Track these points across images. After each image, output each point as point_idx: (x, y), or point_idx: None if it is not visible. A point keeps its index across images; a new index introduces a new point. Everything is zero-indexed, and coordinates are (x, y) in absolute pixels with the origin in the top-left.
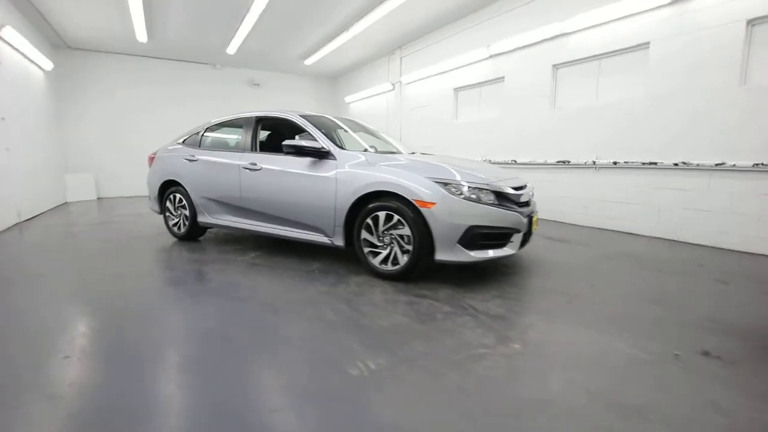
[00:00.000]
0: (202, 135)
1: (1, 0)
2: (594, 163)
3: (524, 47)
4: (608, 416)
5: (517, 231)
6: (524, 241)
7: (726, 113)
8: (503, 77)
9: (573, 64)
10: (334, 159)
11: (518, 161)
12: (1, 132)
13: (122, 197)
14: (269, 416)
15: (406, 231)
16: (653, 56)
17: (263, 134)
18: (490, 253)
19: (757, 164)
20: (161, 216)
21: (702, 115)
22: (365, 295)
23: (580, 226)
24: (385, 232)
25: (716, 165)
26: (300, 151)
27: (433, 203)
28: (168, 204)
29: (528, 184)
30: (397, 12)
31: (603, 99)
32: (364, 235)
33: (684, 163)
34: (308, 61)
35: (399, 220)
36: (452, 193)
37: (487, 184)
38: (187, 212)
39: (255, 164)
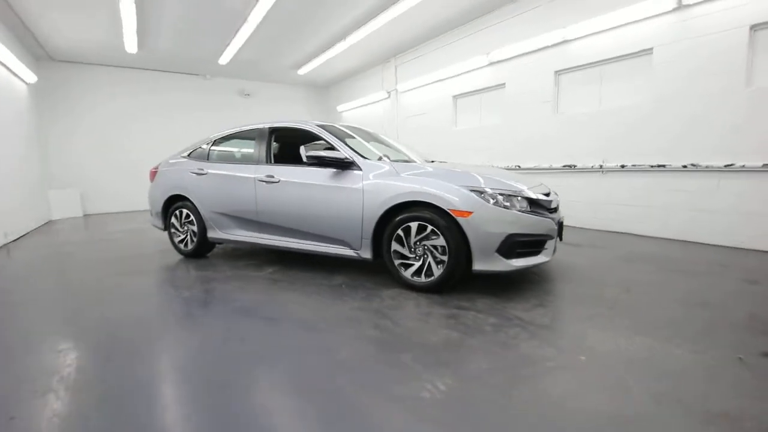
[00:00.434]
0: (210, 147)
1: None
2: (601, 166)
3: (525, 54)
4: (711, 429)
5: (551, 237)
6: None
7: (732, 116)
8: (504, 84)
9: (575, 70)
10: (359, 169)
11: (522, 166)
12: None
13: (110, 213)
14: None
15: (440, 241)
16: (657, 61)
17: (276, 146)
18: (529, 261)
19: (766, 164)
20: (162, 232)
21: (708, 118)
22: (402, 309)
23: (589, 229)
24: (417, 243)
25: (725, 166)
26: (324, 163)
27: (470, 212)
28: (173, 220)
29: (552, 190)
30: (394, 22)
31: (607, 104)
32: (395, 246)
33: (693, 164)
34: (302, 71)
35: (433, 231)
36: (488, 202)
37: (520, 191)
38: (195, 228)
39: (272, 176)
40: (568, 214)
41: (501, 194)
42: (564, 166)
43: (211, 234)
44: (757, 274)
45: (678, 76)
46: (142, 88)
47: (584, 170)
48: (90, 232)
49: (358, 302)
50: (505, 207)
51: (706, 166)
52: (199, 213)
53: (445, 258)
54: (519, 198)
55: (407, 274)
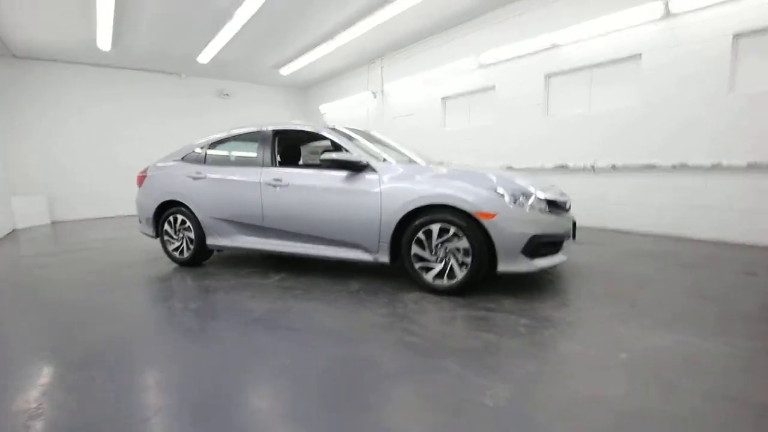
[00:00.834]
0: (207, 150)
1: None
2: (593, 167)
3: (515, 58)
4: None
5: (568, 237)
6: None
7: (718, 119)
8: (494, 86)
9: (566, 74)
10: (374, 172)
11: (514, 167)
12: None
13: (81, 220)
14: None
15: (463, 243)
16: (645, 67)
17: (280, 148)
18: (551, 261)
19: (751, 163)
20: (152, 240)
21: (695, 121)
22: (430, 313)
23: (583, 227)
24: (439, 245)
25: (712, 165)
26: (340, 166)
27: (495, 214)
28: (166, 227)
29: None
30: (383, 24)
31: (597, 107)
32: (415, 249)
33: (682, 164)
34: (284, 71)
35: (456, 233)
36: (511, 203)
37: (540, 192)
38: (192, 234)
39: (279, 180)
40: None
41: (523, 195)
42: (556, 166)
43: (211, 241)
44: (755, 266)
45: (666, 81)
46: (113, 88)
47: (576, 170)
48: (64, 241)
49: (382, 308)
50: (529, 208)
51: (695, 166)
52: (196, 219)
53: (468, 260)
54: (539, 199)
55: (428, 277)
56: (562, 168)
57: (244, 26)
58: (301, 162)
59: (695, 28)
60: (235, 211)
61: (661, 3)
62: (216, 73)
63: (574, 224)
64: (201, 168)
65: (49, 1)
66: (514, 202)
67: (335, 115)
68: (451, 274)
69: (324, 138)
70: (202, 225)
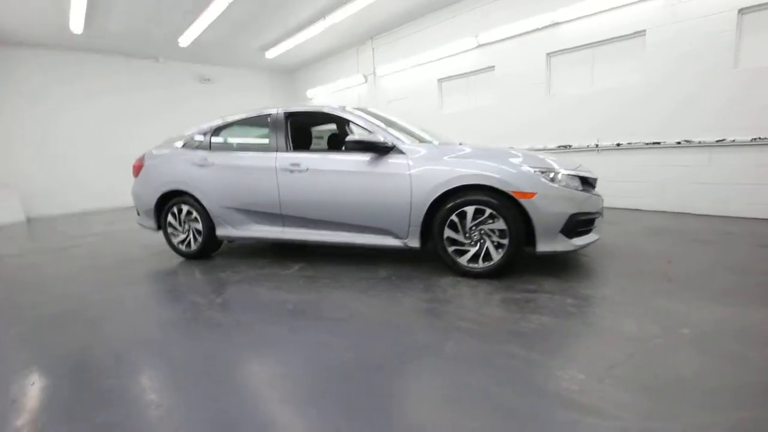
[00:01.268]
0: (212, 136)
1: None
2: (596, 145)
3: (515, 36)
4: None
5: (600, 215)
6: None
7: (722, 95)
8: (493, 66)
9: (568, 52)
10: (401, 153)
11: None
12: None
13: (60, 215)
14: None
15: (499, 225)
16: (649, 43)
17: (293, 131)
18: (587, 239)
19: (755, 138)
20: (148, 233)
21: (700, 98)
22: (472, 297)
23: None
24: (473, 227)
25: (717, 141)
26: (368, 148)
27: (534, 193)
28: (170, 218)
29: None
30: (375, 3)
31: (600, 85)
32: (448, 233)
33: (686, 141)
34: (270, 54)
35: (492, 214)
36: (549, 182)
37: (573, 170)
38: (199, 226)
39: (297, 165)
40: None
41: (556, 173)
42: (559, 146)
43: (221, 231)
44: (766, 239)
45: (670, 57)
46: (85, 73)
47: (580, 150)
48: (49, 238)
49: (420, 294)
50: (567, 187)
51: (699, 142)
52: (204, 209)
53: (504, 242)
54: (573, 176)
55: (463, 260)
56: (565, 148)
57: (231, 4)
58: (312, 146)
59: (700, 2)
60: (249, 199)
61: None
62: (196, 57)
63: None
64: (207, 155)
65: None
66: (551, 181)
67: (324, 100)
68: (486, 257)
69: (342, 119)
70: (211, 215)
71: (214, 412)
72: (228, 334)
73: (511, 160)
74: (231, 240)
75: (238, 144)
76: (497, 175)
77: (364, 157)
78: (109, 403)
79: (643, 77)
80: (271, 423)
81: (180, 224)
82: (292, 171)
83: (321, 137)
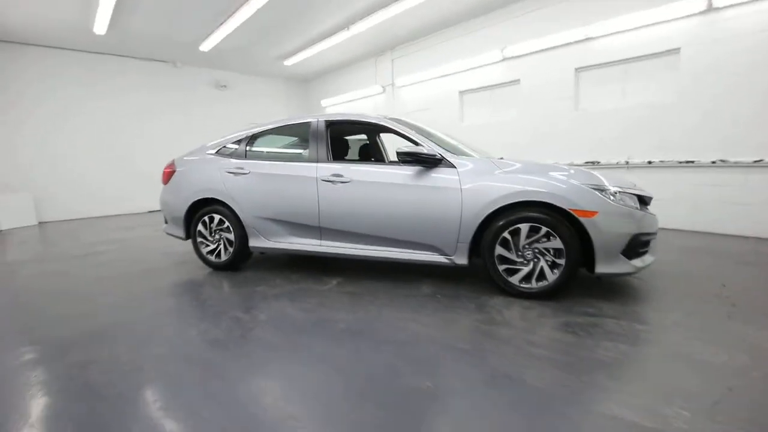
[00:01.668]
0: (247, 143)
1: None
2: (627, 162)
3: (543, 50)
4: None
5: (656, 236)
6: None
7: (762, 115)
8: (519, 80)
9: (598, 67)
10: (451, 167)
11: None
12: None
13: (72, 220)
14: None
15: (555, 244)
16: (684, 60)
17: (333, 141)
18: (645, 261)
19: None
20: (170, 240)
21: (737, 117)
22: (533, 320)
23: None
24: (527, 246)
25: (754, 162)
26: (419, 160)
27: (595, 212)
28: (200, 227)
29: None
30: (397, 15)
31: (631, 100)
32: (499, 251)
33: (722, 161)
34: (289, 62)
35: (548, 232)
36: (609, 200)
37: (630, 189)
38: (231, 236)
39: (340, 176)
40: None
41: (621, 192)
42: (586, 162)
43: (255, 243)
44: None
45: (706, 76)
46: (102, 76)
47: (608, 166)
48: (65, 244)
49: (474, 314)
50: (626, 205)
51: (735, 162)
52: (238, 218)
53: (560, 261)
54: (632, 195)
55: (514, 280)
56: (593, 164)
57: (258, 12)
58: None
59: (738, 21)
60: (286, 209)
61: None
62: (213, 63)
63: None
64: (242, 163)
65: None
66: (614, 200)
67: (338, 109)
68: (540, 277)
69: (382, 129)
70: (245, 225)
71: None
72: (290, 358)
73: (566, 176)
74: (263, 252)
75: (275, 152)
76: (557, 192)
77: (410, 170)
78: None
79: (677, 95)
80: None
81: (211, 234)
82: (333, 182)
83: (350, 147)
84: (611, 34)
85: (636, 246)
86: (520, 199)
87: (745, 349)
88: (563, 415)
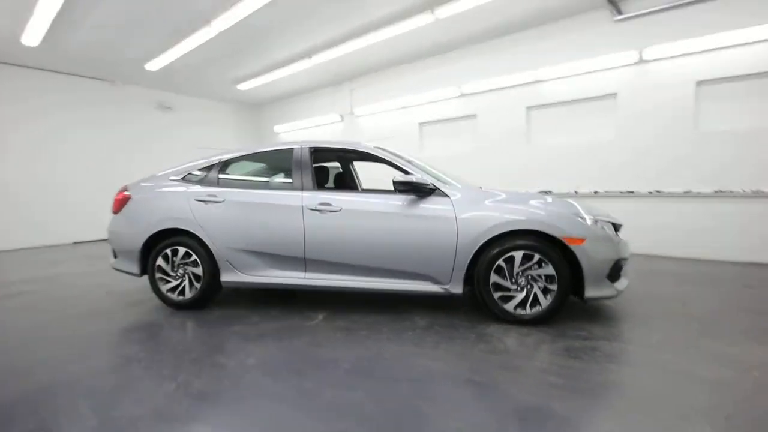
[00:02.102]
0: (220, 169)
1: None
2: (576, 192)
3: (498, 89)
4: None
5: (627, 260)
6: None
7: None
8: (475, 115)
9: (546, 107)
10: (444, 196)
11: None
12: None
13: None
14: None
15: (548, 270)
16: (620, 104)
17: (317, 169)
18: (623, 283)
19: (716, 191)
20: (112, 276)
21: (668, 155)
22: (535, 347)
23: None
24: (520, 273)
25: (684, 192)
26: (414, 189)
27: (583, 239)
28: (161, 261)
29: None
30: (363, 49)
31: (576, 137)
32: (494, 278)
33: (657, 191)
34: (243, 86)
35: (541, 259)
36: (594, 228)
37: (605, 217)
38: (199, 270)
39: (328, 204)
40: None
41: (601, 220)
42: (540, 192)
43: (228, 277)
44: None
45: (640, 118)
46: (26, 93)
47: (559, 195)
48: None
49: (477, 344)
50: (607, 233)
51: (669, 193)
52: (208, 251)
53: (552, 287)
54: (609, 223)
55: (509, 307)
56: (546, 194)
57: (218, 36)
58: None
59: (665, 74)
60: (267, 240)
61: (636, 52)
62: (159, 83)
63: None
64: (214, 190)
65: None
66: (597, 227)
67: (293, 137)
68: (534, 303)
69: (370, 157)
70: (216, 257)
71: None
72: (300, 408)
73: (553, 206)
74: (236, 287)
75: (253, 180)
76: (549, 221)
77: (403, 199)
78: None
79: (615, 134)
80: None
81: (173, 269)
82: (321, 211)
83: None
84: (557, 78)
85: (617, 270)
86: (515, 228)
87: (724, 363)
88: None
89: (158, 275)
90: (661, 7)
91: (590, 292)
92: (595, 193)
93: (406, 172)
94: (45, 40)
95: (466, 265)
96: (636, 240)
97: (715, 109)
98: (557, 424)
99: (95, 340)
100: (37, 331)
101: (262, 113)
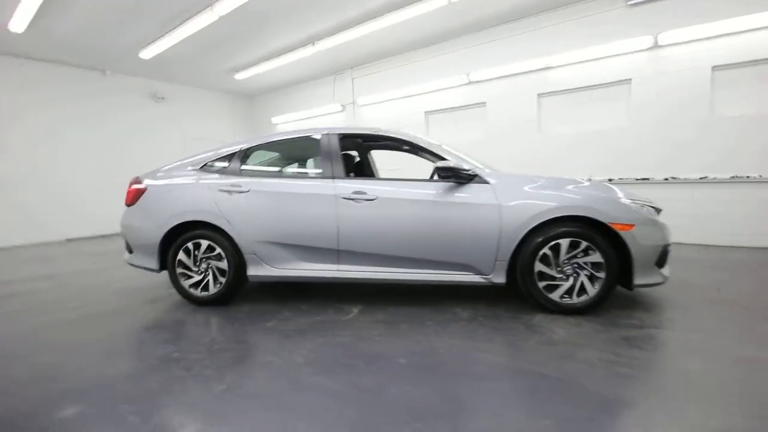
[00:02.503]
0: (242, 158)
1: None
2: (590, 180)
3: (507, 76)
4: None
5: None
6: None
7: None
8: (485, 102)
9: (558, 94)
10: (485, 183)
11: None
12: None
13: None
14: None
15: (595, 258)
16: (634, 90)
17: (346, 156)
18: (668, 270)
19: (733, 177)
20: (122, 272)
21: (682, 141)
22: (590, 337)
23: None
24: (566, 261)
25: (700, 179)
26: (457, 176)
27: (632, 225)
28: (182, 256)
29: None
30: (366, 36)
31: (588, 125)
32: (540, 267)
33: (673, 177)
34: (240, 75)
35: (589, 247)
36: (643, 212)
37: (648, 201)
38: (224, 264)
39: (363, 193)
40: None
41: (649, 205)
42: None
43: (256, 271)
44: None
45: (653, 104)
46: (14, 83)
47: None
48: None
49: (530, 335)
50: (655, 218)
51: (684, 179)
52: (234, 244)
53: (600, 275)
54: (655, 208)
55: (554, 296)
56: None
57: (217, 21)
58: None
59: (680, 58)
60: (298, 231)
61: (651, 37)
62: (152, 72)
63: None
64: (238, 180)
65: None
66: (646, 212)
67: (291, 127)
68: (581, 292)
69: (401, 143)
70: (243, 251)
71: None
72: (367, 405)
73: (595, 189)
74: (264, 281)
75: (279, 169)
76: (596, 206)
77: (441, 186)
78: None
79: (629, 120)
80: None
81: (195, 263)
82: (356, 200)
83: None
84: (570, 64)
85: (665, 256)
86: (562, 214)
87: None
88: None
89: (179, 270)
90: None
91: (639, 280)
92: (610, 180)
93: (443, 158)
94: (32, 25)
95: (510, 253)
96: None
97: (731, 95)
98: (647, 417)
99: (121, 341)
100: (52, 332)
101: (259, 104)
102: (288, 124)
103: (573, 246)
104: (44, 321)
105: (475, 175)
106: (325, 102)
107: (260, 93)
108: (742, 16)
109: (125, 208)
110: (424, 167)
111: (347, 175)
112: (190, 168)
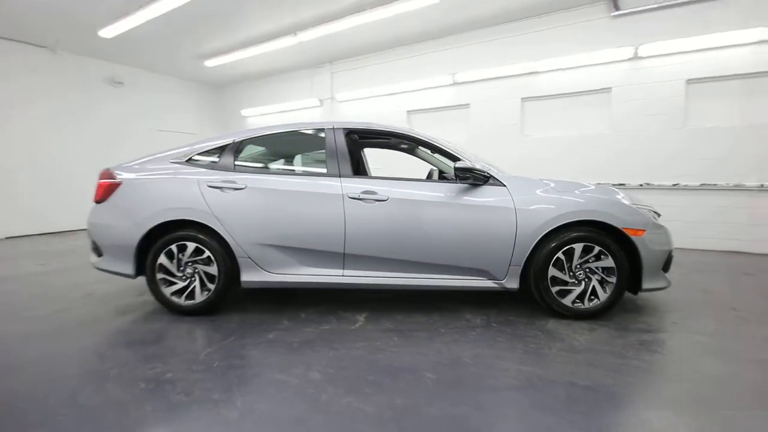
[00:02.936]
0: (235, 151)
1: None
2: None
3: (493, 79)
4: None
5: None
6: None
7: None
8: (468, 104)
9: (542, 99)
10: (501, 185)
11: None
12: None
13: None
14: None
15: (607, 262)
16: (615, 99)
17: (352, 153)
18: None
19: (702, 184)
20: (86, 276)
21: (658, 149)
22: (606, 342)
23: None
24: (578, 266)
25: (672, 185)
26: (475, 177)
27: (643, 230)
28: (164, 260)
29: None
30: (348, 30)
31: (571, 130)
32: (553, 272)
33: (647, 183)
34: (211, 62)
35: (601, 251)
36: (651, 217)
37: (649, 206)
38: (212, 269)
39: (373, 192)
40: None
41: (653, 211)
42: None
43: (250, 276)
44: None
45: (633, 112)
46: None
47: None
48: None
49: (550, 342)
50: (661, 223)
51: (658, 185)
52: (226, 246)
53: (611, 279)
54: (658, 213)
55: (567, 301)
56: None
57: (192, 1)
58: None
59: (659, 70)
60: (300, 233)
61: (632, 48)
62: (111, 54)
63: None
64: (232, 176)
65: None
66: (654, 218)
67: (263, 121)
68: (592, 297)
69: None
70: (237, 254)
71: None
72: (410, 430)
73: (603, 193)
74: (260, 287)
75: (278, 164)
76: (612, 211)
77: (453, 188)
78: None
79: (609, 127)
80: None
81: (179, 268)
82: (365, 200)
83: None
84: (554, 70)
85: (670, 260)
86: (577, 219)
87: None
88: None
89: (160, 276)
90: (658, 5)
91: (647, 284)
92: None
93: (457, 159)
94: None
95: (525, 258)
96: None
97: (704, 107)
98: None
99: (94, 360)
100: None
101: (228, 94)
102: (260, 117)
103: (585, 251)
104: (13, 330)
105: (490, 177)
106: (301, 96)
107: (231, 83)
108: (715, 34)
109: (93, 205)
110: (415, 167)
111: (354, 173)
112: (172, 161)
